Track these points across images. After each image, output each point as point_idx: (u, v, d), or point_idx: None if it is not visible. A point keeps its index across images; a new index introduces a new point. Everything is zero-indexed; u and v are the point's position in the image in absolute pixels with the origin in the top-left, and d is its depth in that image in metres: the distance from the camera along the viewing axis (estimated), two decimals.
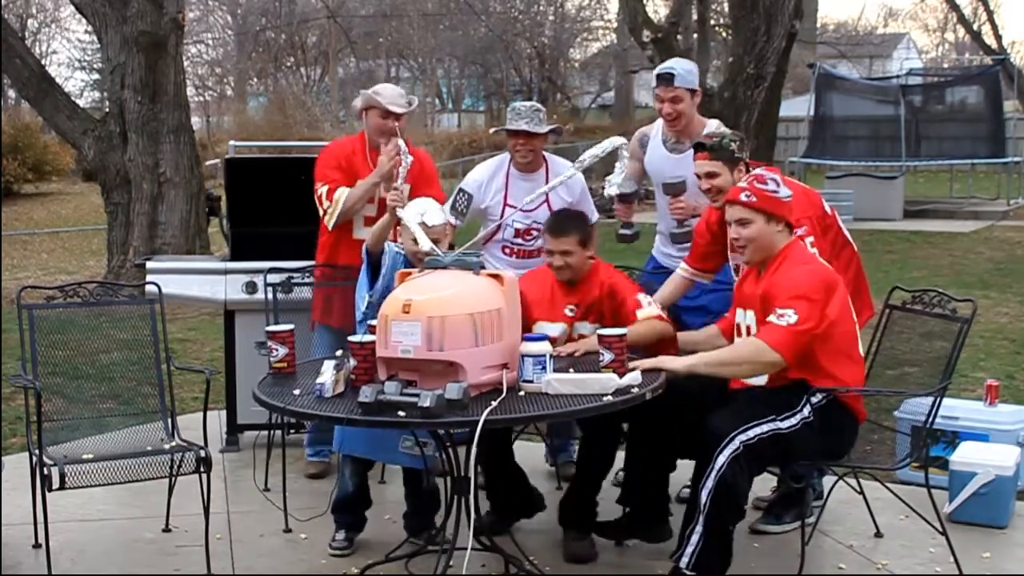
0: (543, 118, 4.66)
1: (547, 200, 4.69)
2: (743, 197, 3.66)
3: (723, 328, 3.93)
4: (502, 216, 4.68)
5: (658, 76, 4.53)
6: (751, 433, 3.51)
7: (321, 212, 4.74)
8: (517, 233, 4.73)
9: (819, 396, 3.61)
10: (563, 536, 4.10)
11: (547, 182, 4.61)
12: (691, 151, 4.52)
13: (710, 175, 4.04)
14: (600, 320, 4.07)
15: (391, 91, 4.75)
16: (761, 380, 3.71)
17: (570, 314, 4.11)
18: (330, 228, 4.72)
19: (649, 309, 4.02)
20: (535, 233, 4.70)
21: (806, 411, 3.58)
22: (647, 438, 3.93)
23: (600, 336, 3.59)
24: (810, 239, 4.03)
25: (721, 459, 3.49)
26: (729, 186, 4.04)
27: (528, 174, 4.72)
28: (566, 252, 4.06)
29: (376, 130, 4.71)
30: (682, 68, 4.53)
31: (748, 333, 3.73)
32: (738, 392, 3.78)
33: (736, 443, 3.49)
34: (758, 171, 3.78)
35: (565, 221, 4.16)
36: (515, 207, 4.63)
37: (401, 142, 4.38)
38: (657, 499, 4.05)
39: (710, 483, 3.50)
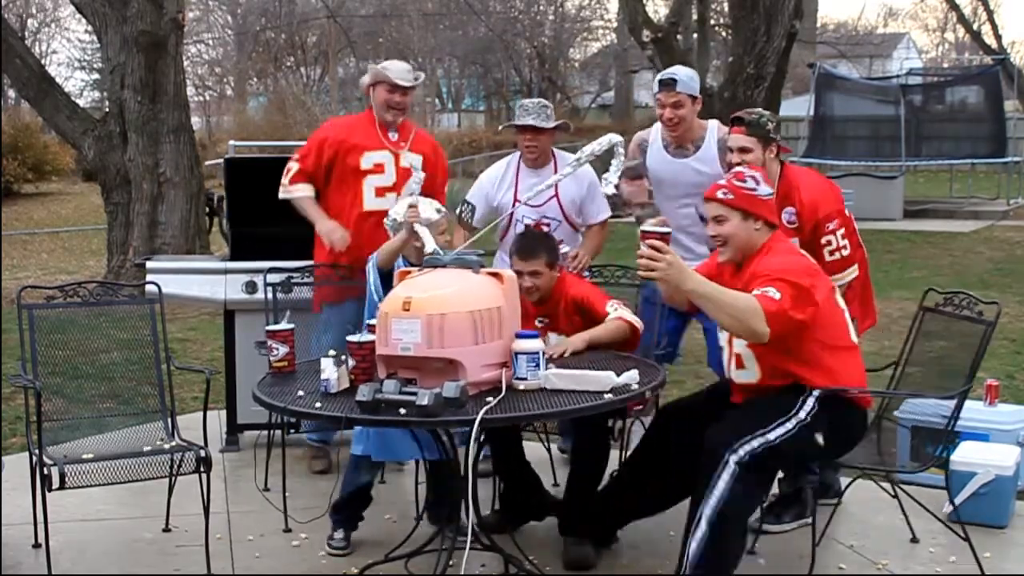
0: (550, 114, 4.72)
1: (556, 195, 4.73)
2: (720, 194, 3.62)
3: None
4: (512, 212, 4.72)
5: (660, 81, 4.55)
6: (741, 452, 3.42)
7: (282, 179, 4.88)
8: (527, 229, 4.75)
9: (816, 396, 3.54)
10: (563, 543, 4.06)
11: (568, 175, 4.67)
12: (694, 155, 4.57)
13: (743, 150, 4.08)
14: (572, 330, 4.07)
15: (399, 66, 4.87)
16: (752, 378, 3.67)
17: (540, 326, 4.11)
18: (278, 197, 4.90)
19: (615, 312, 4.05)
20: (544, 229, 4.73)
21: (802, 414, 3.51)
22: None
23: (643, 232, 3.48)
24: (841, 231, 4.10)
25: (721, 486, 3.40)
26: (760, 164, 4.07)
27: (537, 170, 4.77)
28: (535, 273, 4.09)
29: (383, 104, 4.81)
30: (684, 74, 4.55)
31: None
32: (737, 405, 3.74)
33: (731, 466, 3.41)
34: (738, 168, 3.76)
35: (534, 243, 4.19)
36: (526, 203, 4.68)
37: (414, 159, 4.34)
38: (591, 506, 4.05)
39: (709, 509, 3.39)
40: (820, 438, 3.51)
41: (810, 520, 3.99)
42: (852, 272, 4.17)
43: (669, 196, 4.60)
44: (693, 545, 3.41)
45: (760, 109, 4.31)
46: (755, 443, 3.44)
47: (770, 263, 3.55)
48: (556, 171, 4.69)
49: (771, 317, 3.36)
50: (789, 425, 3.50)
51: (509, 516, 4.29)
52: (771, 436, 3.47)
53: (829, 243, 4.11)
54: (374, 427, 3.78)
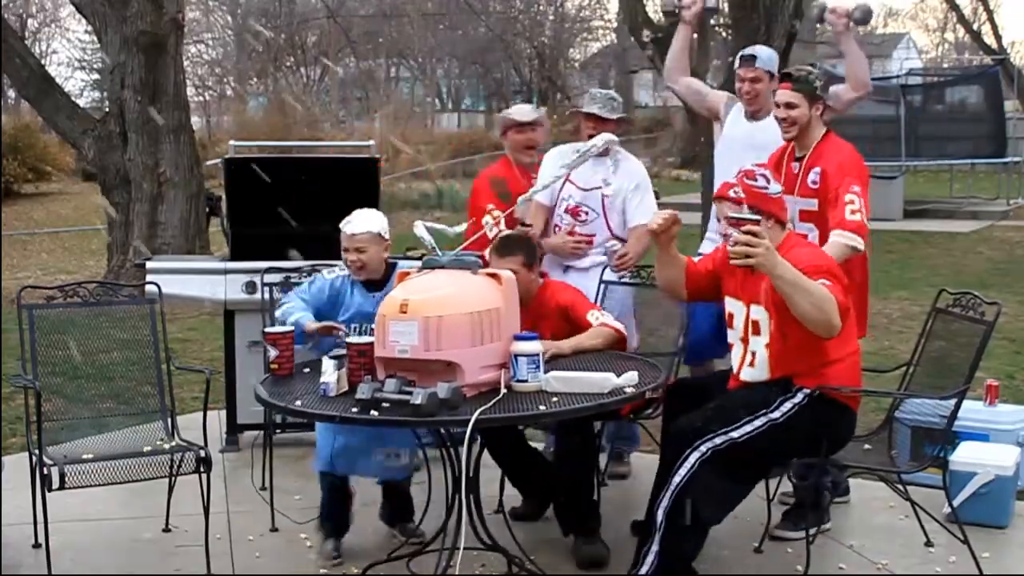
0: (616, 107, 4.84)
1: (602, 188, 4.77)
2: (731, 193, 3.61)
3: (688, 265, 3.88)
4: (561, 190, 4.80)
5: (741, 57, 4.73)
6: (704, 448, 3.42)
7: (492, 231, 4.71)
8: (567, 209, 4.81)
9: (801, 395, 3.52)
10: (573, 543, 4.04)
11: (612, 169, 4.79)
12: (767, 118, 4.60)
13: (789, 105, 4.15)
14: (557, 338, 4.02)
15: (521, 107, 5.18)
16: (761, 377, 3.64)
17: None
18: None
19: (599, 319, 4.03)
20: (584, 216, 4.78)
21: (776, 413, 3.49)
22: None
23: (734, 219, 3.50)
24: (862, 199, 4.05)
25: (678, 476, 3.41)
26: (805, 120, 4.11)
27: (596, 157, 4.76)
28: (512, 272, 4.01)
29: (518, 145, 5.00)
30: (764, 53, 4.73)
31: (747, 328, 3.66)
32: (723, 394, 3.71)
33: (691, 461, 3.41)
34: (748, 167, 3.74)
35: (511, 242, 4.16)
36: (576, 184, 4.78)
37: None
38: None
39: (666, 501, 3.42)
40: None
41: (828, 527, 3.97)
42: (861, 243, 4.04)
43: (741, 162, 4.57)
44: (654, 542, 3.43)
45: (809, 67, 4.32)
46: (719, 440, 3.44)
47: (802, 255, 3.49)
48: (611, 161, 4.81)
49: (841, 310, 3.35)
50: (758, 423, 3.49)
51: (533, 502, 4.34)
52: (735, 434, 3.46)
53: (852, 202, 4.04)
54: (372, 427, 3.76)
